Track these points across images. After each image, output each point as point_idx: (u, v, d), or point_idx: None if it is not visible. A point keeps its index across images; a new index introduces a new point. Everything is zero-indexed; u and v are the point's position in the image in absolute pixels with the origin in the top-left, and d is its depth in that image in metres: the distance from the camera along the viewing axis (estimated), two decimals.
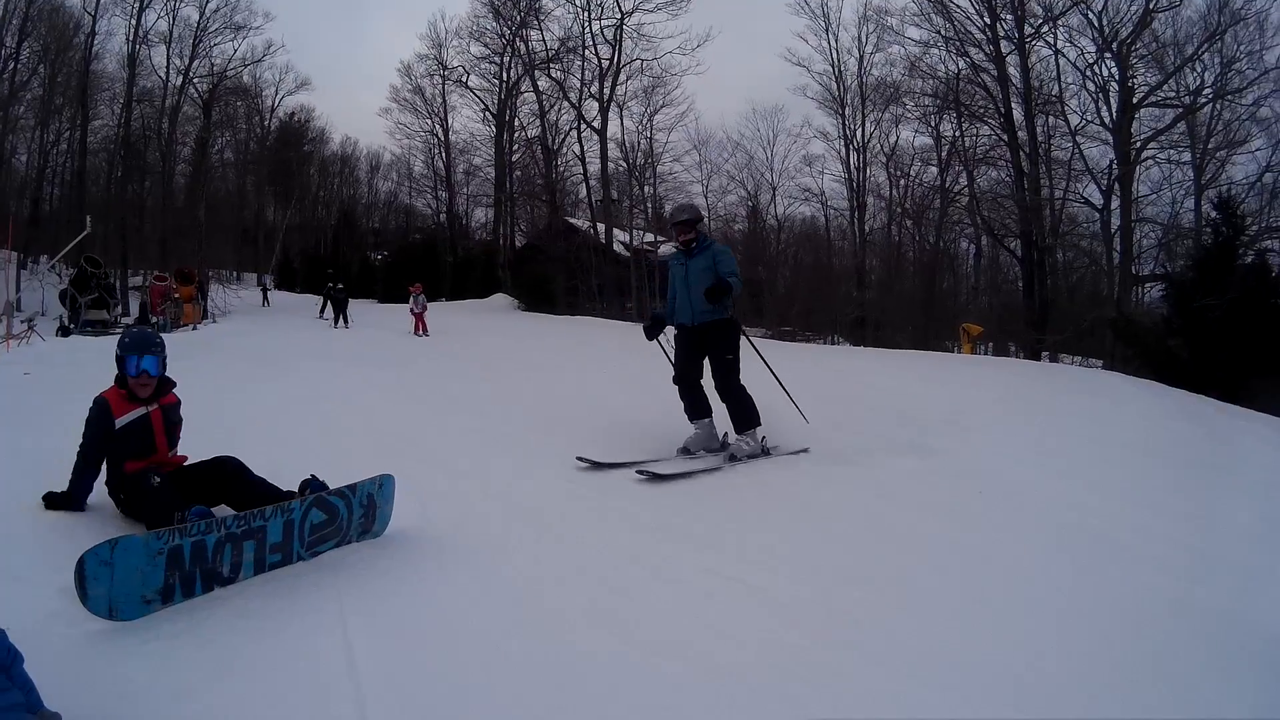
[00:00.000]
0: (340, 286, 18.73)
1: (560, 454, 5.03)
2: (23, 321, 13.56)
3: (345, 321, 18.00)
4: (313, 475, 3.37)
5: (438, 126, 32.39)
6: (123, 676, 2.29)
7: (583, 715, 2.32)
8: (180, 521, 2.87)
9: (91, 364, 7.73)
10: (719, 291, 5.04)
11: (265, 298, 26.16)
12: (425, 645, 2.61)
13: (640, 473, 4.64)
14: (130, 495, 3.37)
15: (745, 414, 5.19)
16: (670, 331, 5.58)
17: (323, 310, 19.60)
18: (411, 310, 17.20)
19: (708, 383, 5.41)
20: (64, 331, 15.68)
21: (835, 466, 5.19)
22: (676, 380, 5.40)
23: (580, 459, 4.82)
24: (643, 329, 5.68)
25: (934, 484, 4.96)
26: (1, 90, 23.95)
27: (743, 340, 5.46)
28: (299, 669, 2.41)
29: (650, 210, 28.40)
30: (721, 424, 5.44)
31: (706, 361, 5.35)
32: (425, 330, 16.59)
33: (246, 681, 2.33)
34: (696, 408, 5.36)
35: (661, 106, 27.30)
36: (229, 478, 3.41)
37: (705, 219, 6.37)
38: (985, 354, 19.94)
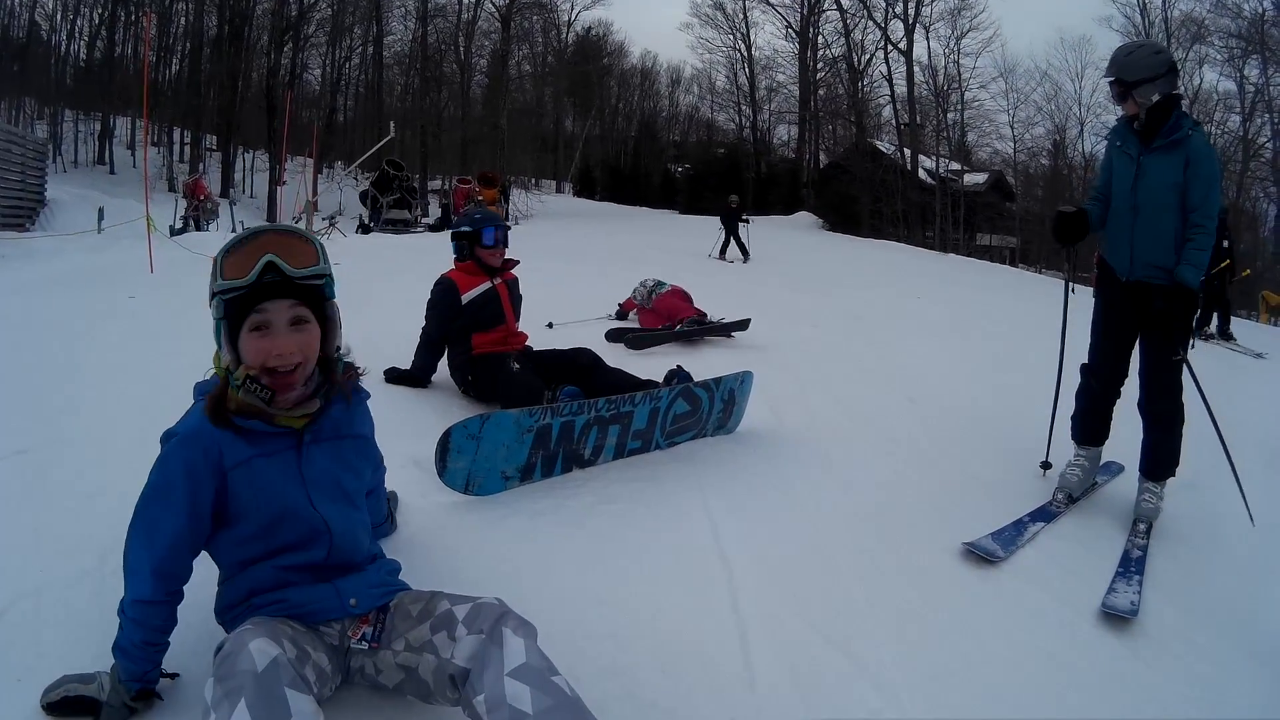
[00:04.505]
0: (734, 201, 13.46)
1: (894, 368, 4.96)
2: (324, 219, 15.02)
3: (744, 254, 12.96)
4: (679, 366, 3.26)
5: (739, 42, 32.25)
6: (488, 549, 2.24)
7: (942, 617, 2.24)
8: (551, 401, 2.81)
9: (394, 257, 8.41)
10: (1195, 264, 2.84)
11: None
12: (790, 538, 2.51)
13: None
14: (482, 378, 3.39)
15: (1173, 452, 3.06)
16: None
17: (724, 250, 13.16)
18: None
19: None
20: (364, 229, 17.50)
21: None
22: (1088, 371, 3.21)
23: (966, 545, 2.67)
24: (1054, 220, 3.24)
25: None
26: (290, 11, 25.85)
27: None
28: (670, 554, 2.34)
29: (955, 138, 27.70)
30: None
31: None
32: None
33: (619, 561, 2.26)
34: (1098, 425, 3.22)
35: (968, 30, 26.57)
36: (585, 369, 3.35)
37: (1177, 83, 2.96)
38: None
